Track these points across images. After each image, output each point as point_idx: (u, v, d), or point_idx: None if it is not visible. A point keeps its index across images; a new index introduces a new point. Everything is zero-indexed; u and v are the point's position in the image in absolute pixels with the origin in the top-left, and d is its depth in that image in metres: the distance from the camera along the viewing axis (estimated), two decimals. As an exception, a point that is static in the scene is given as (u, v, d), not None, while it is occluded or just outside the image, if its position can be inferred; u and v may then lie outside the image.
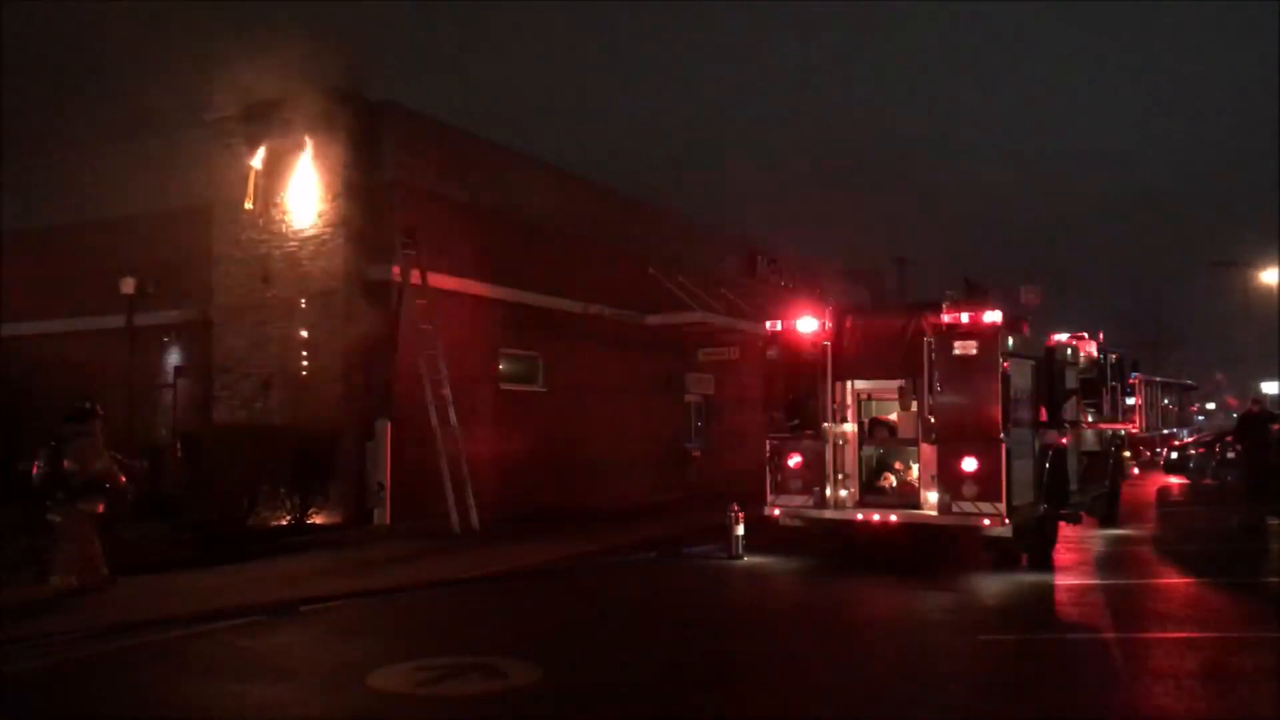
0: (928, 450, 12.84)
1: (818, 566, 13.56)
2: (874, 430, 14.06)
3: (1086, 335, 16.79)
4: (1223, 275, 41.76)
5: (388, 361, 17.11)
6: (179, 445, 16.59)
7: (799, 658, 9.03)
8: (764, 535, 14.25)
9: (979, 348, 12.56)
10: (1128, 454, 23.07)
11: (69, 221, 20.78)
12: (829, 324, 13.71)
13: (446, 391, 17.10)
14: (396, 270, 17.18)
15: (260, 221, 17.77)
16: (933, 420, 12.80)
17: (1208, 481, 25.61)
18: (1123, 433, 19.50)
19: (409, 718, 7.26)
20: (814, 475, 13.53)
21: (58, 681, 8.19)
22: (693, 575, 13.39)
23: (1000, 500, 12.23)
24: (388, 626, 10.20)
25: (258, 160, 17.58)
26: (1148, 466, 32.49)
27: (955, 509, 12.50)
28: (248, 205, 17.64)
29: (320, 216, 17.29)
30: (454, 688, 7.72)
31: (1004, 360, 12.53)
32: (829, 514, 13.51)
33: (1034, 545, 13.24)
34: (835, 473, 13.56)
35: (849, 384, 13.86)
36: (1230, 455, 24.23)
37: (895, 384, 13.66)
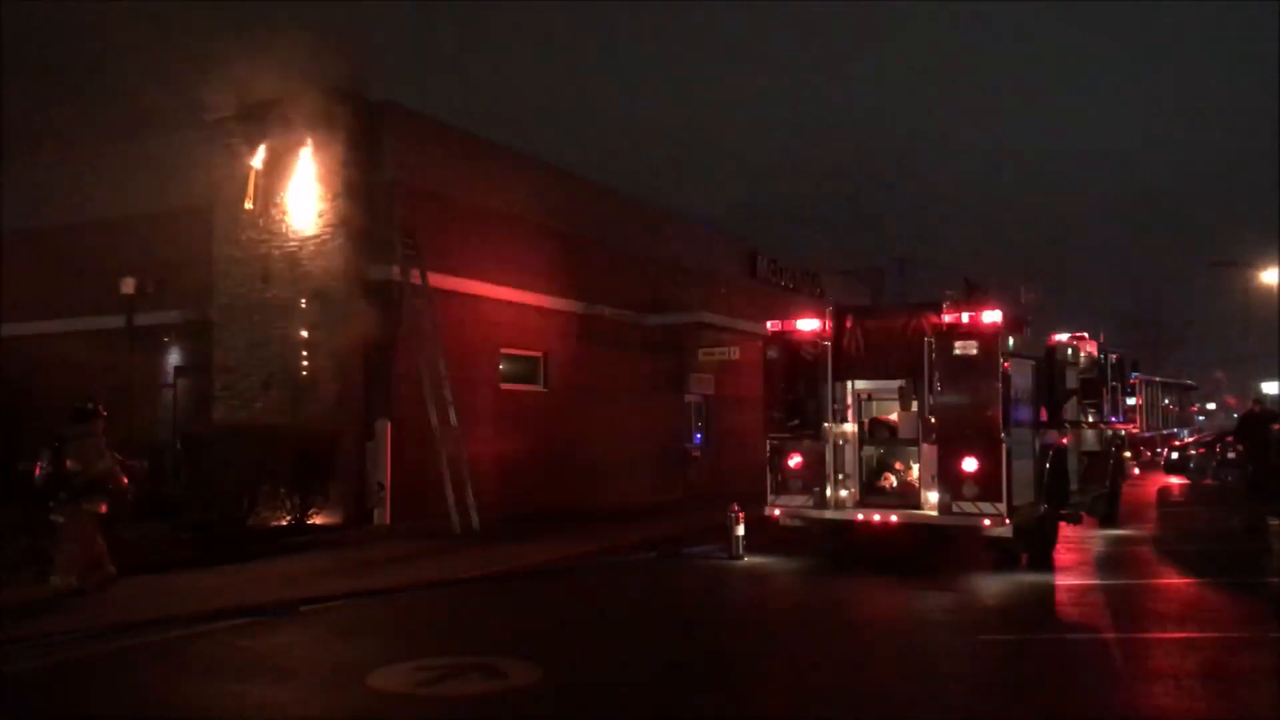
0: (928, 450, 12.85)
1: (818, 566, 13.55)
2: (874, 430, 14.06)
3: (1086, 335, 16.80)
4: (1223, 275, 41.82)
5: (388, 361, 17.11)
6: (179, 445, 16.59)
7: (799, 658, 9.03)
8: (764, 535, 14.25)
9: (979, 348, 12.56)
10: (1128, 454, 23.06)
11: (69, 221, 20.75)
12: (829, 324, 13.71)
13: (446, 391, 17.09)
14: (396, 270, 17.18)
15: (260, 221, 17.76)
16: (933, 420, 12.81)
17: (1208, 481, 25.60)
18: (1123, 433, 19.50)
19: (409, 718, 7.25)
20: (814, 475, 13.54)
21: (58, 681, 8.19)
22: (693, 575, 13.39)
23: (1000, 500, 12.24)
24: (388, 627, 10.20)
25: (258, 160, 17.57)
26: (1148, 466, 32.50)
27: (955, 509, 12.50)
28: (248, 205, 17.63)
29: (320, 216, 17.28)
30: (454, 688, 7.72)
31: (1004, 360, 12.53)
32: (829, 514, 13.51)
33: (1034, 545, 13.25)
34: (835, 473, 13.57)
35: (849, 384, 13.87)
36: (1231, 455, 24.21)
37: (895, 384, 13.68)
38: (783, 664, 8.81)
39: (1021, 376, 13.31)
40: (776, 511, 13.78)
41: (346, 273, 17.06)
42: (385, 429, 16.75)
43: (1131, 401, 25.45)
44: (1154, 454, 34.67)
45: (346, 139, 17.10)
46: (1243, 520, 16.73)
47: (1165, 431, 39.66)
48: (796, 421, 13.70)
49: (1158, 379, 41.68)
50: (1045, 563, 13.31)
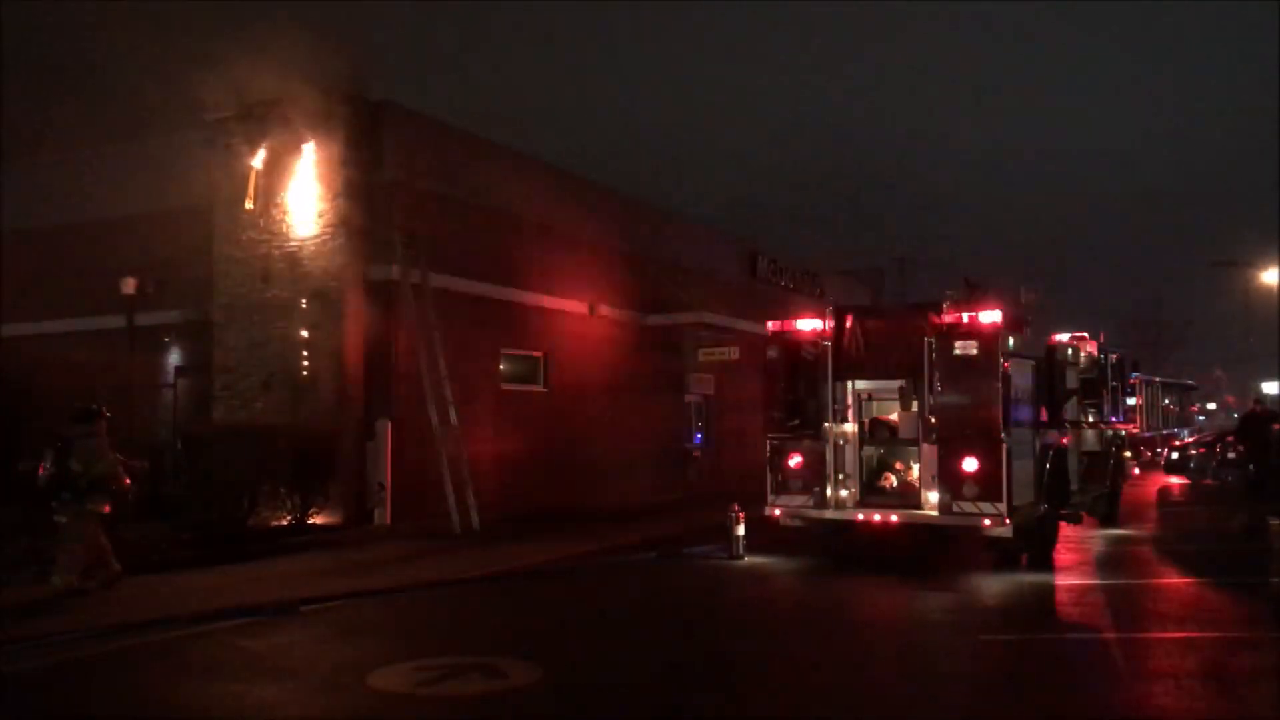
0: (928, 450, 12.85)
1: (818, 566, 13.55)
2: (874, 430, 14.06)
3: (1086, 335, 16.79)
4: (1223, 275, 41.84)
5: (388, 361, 17.11)
6: (179, 445, 16.59)
7: (799, 658, 9.03)
8: (764, 535, 14.24)
9: (979, 348, 12.57)
10: (1128, 454, 23.05)
11: (69, 221, 20.75)
12: (829, 324, 13.72)
13: (447, 392, 17.09)
14: (396, 270, 17.18)
15: (260, 221, 17.76)
16: (933, 420, 12.81)
17: (1208, 481, 25.58)
18: (1123, 433, 19.50)
19: (409, 718, 7.25)
20: (814, 475, 13.54)
21: (58, 681, 8.19)
22: (693, 575, 13.38)
23: (1001, 500, 12.24)
24: (388, 626, 10.20)
25: (258, 160, 17.56)
26: (1148, 466, 32.47)
27: (956, 509, 12.50)
28: (248, 205, 17.63)
29: (320, 216, 17.28)
30: (454, 688, 7.72)
31: (1004, 360, 12.54)
32: (829, 514, 13.51)
33: (1034, 545, 13.25)
34: (836, 473, 13.57)
35: (849, 384, 13.88)
36: (1231, 455, 24.20)
37: (896, 384, 13.68)
38: (783, 664, 8.81)
39: (1021, 376, 13.31)
40: (777, 511, 13.78)
41: (346, 273, 17.06)
42: (385, 429, 16.76)
43: (1131, 401, 25.43)
44: (1154, 454, 34.65)
45: (346, 139, 17.10)
46: (1243, 520, 16.72)
47: (1165, 431, 39.62)
48: (797, 421, 13.71)
49: (1158, 379, 41.65)
50: (1045, 563, 13.31)
